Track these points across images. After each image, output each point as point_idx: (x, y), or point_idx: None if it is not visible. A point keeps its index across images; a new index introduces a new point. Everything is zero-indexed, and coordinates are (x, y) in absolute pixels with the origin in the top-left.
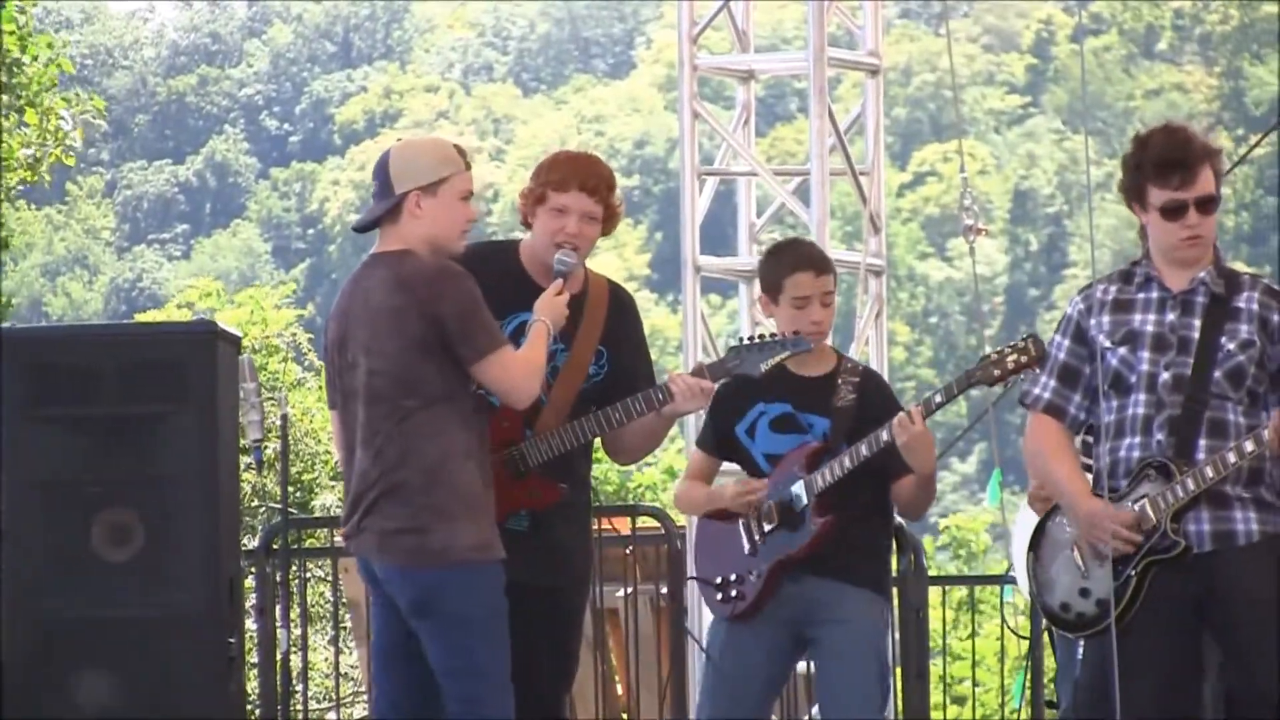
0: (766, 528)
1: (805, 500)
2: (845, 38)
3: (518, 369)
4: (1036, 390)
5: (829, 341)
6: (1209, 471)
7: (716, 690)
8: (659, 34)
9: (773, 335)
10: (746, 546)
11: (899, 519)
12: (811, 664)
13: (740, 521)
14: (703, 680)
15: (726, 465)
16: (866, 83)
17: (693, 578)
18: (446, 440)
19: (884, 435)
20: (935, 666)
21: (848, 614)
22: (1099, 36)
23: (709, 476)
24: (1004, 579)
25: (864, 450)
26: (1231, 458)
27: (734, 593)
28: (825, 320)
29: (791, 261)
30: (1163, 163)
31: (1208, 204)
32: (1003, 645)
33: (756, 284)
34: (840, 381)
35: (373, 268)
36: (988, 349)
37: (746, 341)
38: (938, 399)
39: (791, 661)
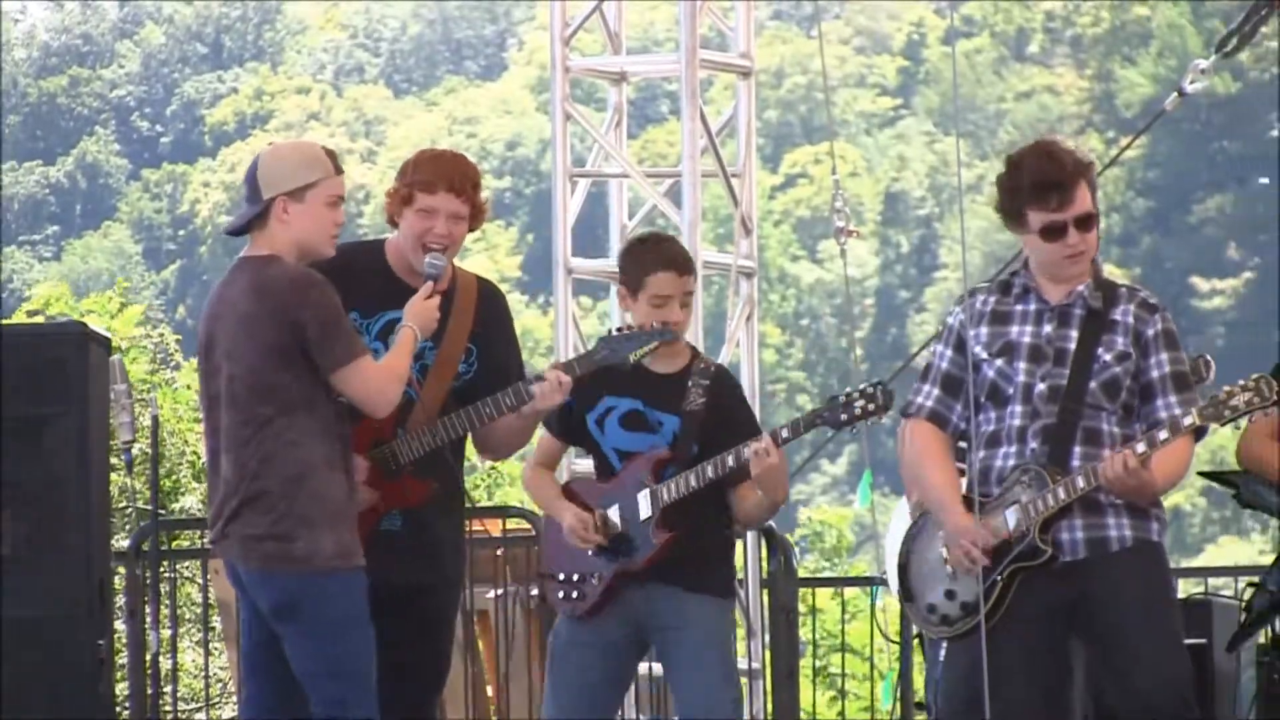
0: (614, 529)
1: (650, 513)
2: (717, 39)
3: (376, 379)
4: (919, 399)
5: (695, 340)
6: (1080, 482)
7: (557, 687)
8: (531, 35)
9: (640, 326)
10: (592, 548)
11: (770, 522)
12: (656, 667)
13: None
14: (546, 677)
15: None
16: (738, 84)
17: (541, 574)
18: (307, 448)
19: (730, 461)
20: (824, 664)
21: (691, 619)
22: (970, 39)
23: (555, 460)
24: (874, 580)
25: (709, 472)
26: (1102, 466)
27: (575, 593)
28: (682, 321)
29: (654, 260)
30: (1040, 185)
31: (1087, 221)
32: (871, 646)
33: None
34: (691, 384)
35: (238, 273)
36: (846, 384)
37: (616, 332)
38: (784, 434)
39: (632, 662)
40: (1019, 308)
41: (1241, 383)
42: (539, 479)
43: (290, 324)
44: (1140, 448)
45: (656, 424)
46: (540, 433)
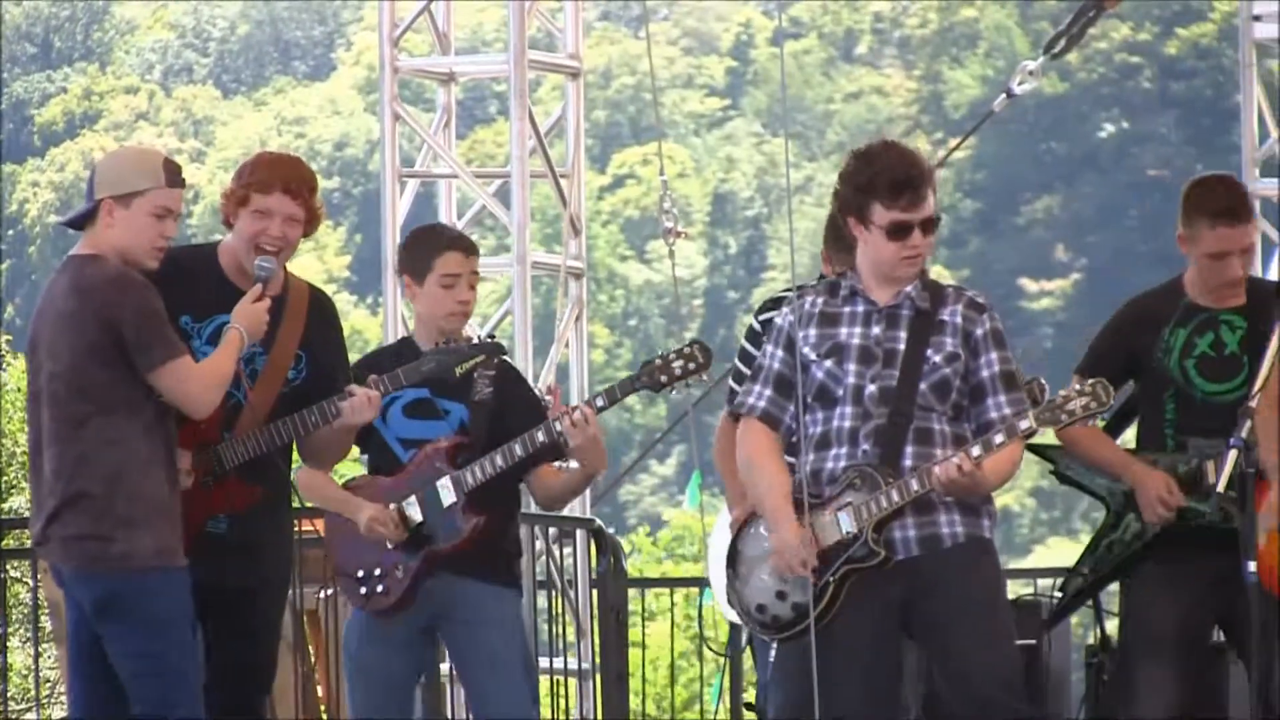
0: (413, 522)
1: (454, 498)
2: (545, 40)
3: (195, 380)
4: (751, 399)
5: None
6: (914, 484)
7: (356, 685)
8: (359, 36)
9: (468, 340)
10: (388, 541)
11: (598, 522)
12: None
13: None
14: (345, 678)
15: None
16: (567, 85)
17: (339, 573)
18: (126, 448)
19: (540, 436)
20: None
21: (488, 614)
22: (799, 40)
23: None
24: (704, 581)
25: (518, 450)
26: (937, 471)
27: (379, 587)
28: (471, 302)
29: (442, 241)
30: (894, 183)
31: (930, 225)
32: (701, 647)
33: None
34: (476, 374)
35: (63, 271)
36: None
37: (442, 345)
38: (599, 402)
39: (427, 655)
40: (847, 309)
41: (1078, 387)
42: (316, 480)
43: (107, 323)
44: (975, 451)
45: (444, 411)
46: None
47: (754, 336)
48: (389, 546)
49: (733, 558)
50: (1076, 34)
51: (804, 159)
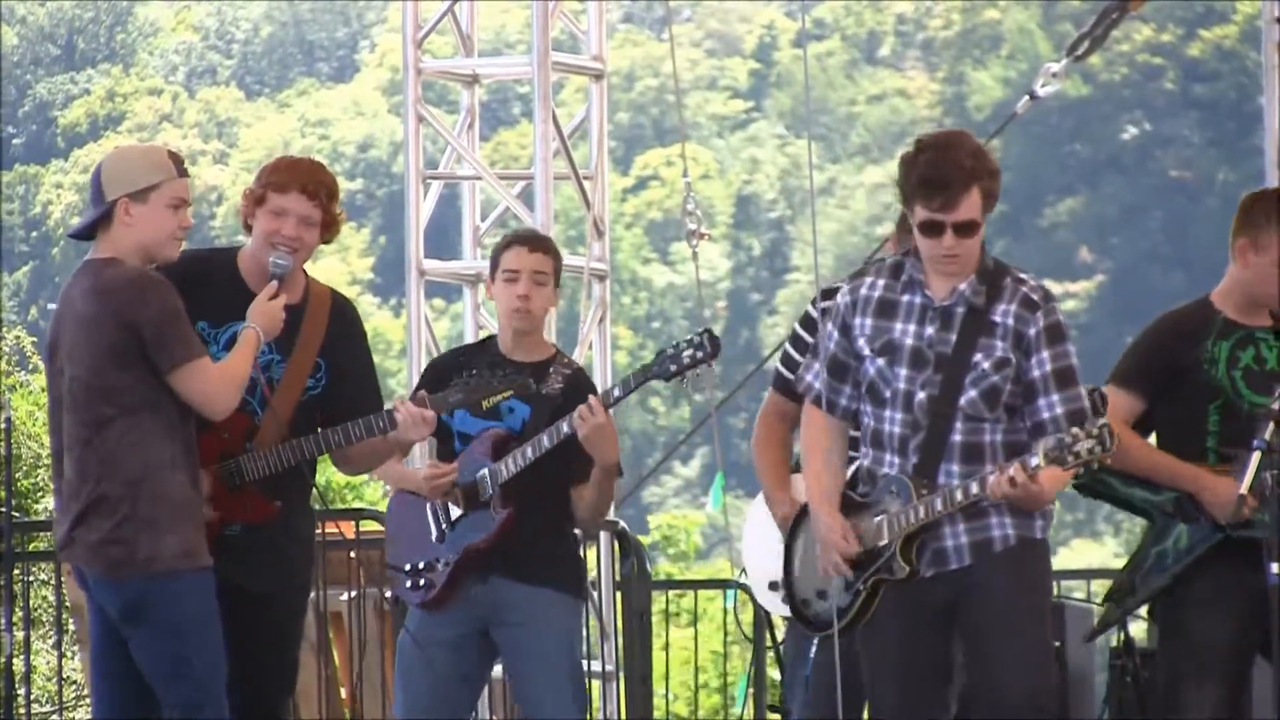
0: (454, 515)
1: (490, 489)
2: (569, 41)
3: (213, 381)
4: (809, 378)
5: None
6: (938, 504)
7: (407, 685)
8: (383, 37)
9: (503, 371)
10: (434, 533)
11: (622, 524)
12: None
13: (428, 507)
14: (395, 676)
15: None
16: (590, 87)
17: (390, 566)
18: (149, 450)
19: (564, 427)
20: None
21: (535, 616)
22: (822, 42)
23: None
24: (729, 584)
25: (545, 441)
26: (959, 496)
27: (423, 580)
28: (535, 299)
29: (507, 240)
30: (925, 183)
31: (967, 228)
32: (725, 649)
33: (481, 288)
34: (552, 370)
35: (81, 275)
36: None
37: (470, 375)
38: (616, 392)
39: (483, 659)
40: (905, 299)
41: (1087, 427)
42: (390, 463)
43: (127, 324)
44: (1034, 461)
45: (507, 410)
46: None
47: (809, 322)
48: (434, 538)
49: (788, 554)
50: (1099, 36)
51: (827, 161)
